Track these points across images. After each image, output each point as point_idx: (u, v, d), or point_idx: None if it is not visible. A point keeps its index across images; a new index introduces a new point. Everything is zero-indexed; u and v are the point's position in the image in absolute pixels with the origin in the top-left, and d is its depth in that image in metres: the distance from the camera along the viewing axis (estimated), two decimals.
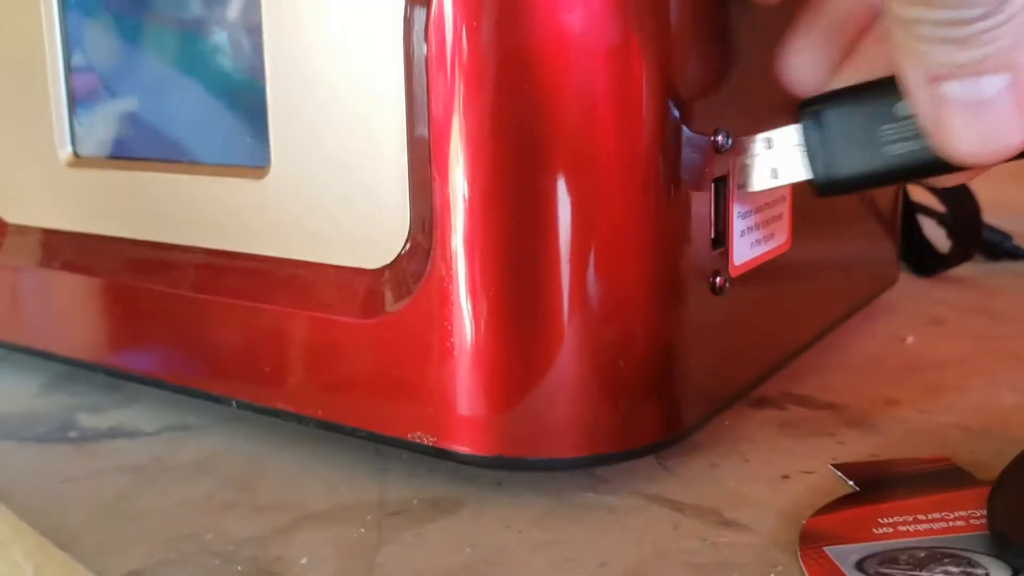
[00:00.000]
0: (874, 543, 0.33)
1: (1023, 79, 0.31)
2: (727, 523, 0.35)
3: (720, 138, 0.37)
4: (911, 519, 0.34)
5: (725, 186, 0.38)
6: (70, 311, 0.48)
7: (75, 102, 0.47)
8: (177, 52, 0.43)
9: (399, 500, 0.38)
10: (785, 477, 0.38)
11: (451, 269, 0.36)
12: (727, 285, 0.39)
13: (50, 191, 0.49)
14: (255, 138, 0.41)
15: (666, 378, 0.37)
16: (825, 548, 0.33)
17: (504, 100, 0.34)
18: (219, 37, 0.42)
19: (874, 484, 0.37)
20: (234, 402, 0.43)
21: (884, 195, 0.55)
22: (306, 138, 0.39)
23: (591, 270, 0.35)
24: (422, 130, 0.36)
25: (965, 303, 0.61)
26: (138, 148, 0.45)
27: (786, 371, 0.48)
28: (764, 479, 0.38)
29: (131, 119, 0.45)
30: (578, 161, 0.34)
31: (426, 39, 0.35)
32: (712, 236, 0.38)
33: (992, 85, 0.31)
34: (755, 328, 0.43)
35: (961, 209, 0.65)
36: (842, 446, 0.41)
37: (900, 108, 0.34)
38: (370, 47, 0.37)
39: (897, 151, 0.35)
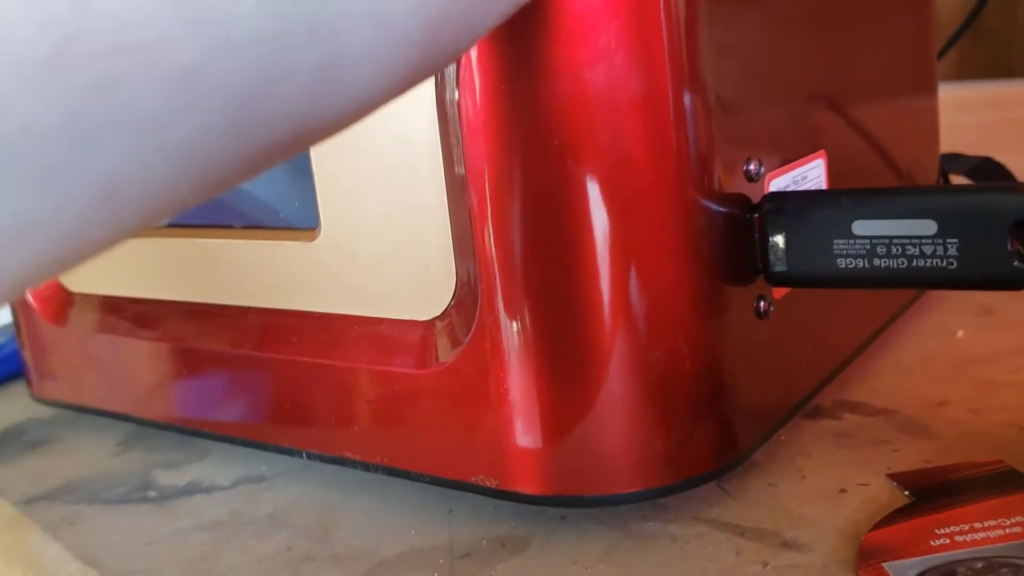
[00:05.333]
0: (932, 556, 0.34)
1: None
2: (788, 544, 0.36)
3: (752, 167, 0.38)
4: (967, 528, 0.35)
5: (762, 214, 0.39)
6: (139, 374, 0.51)
7: None
8: None
9: (468, 541, 0.39)
10: (842, 491, 0.39)
11: (498, 316, 0.37)
12: (771, 308, 0.40)
13: (111, 260, 0.51)
14: (303, 201, 0.42)
15: (717, 402, 0.38)
16: (884, 564, 0.33)
17: (536, 150, 0.35)
18: None
19: (929, 493, 0.38)
20: (304, 453, 0.44)
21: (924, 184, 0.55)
22: (351, 198, 0.40)
23: (633, 299, 0.36)
24: (459, 183, 0.37)
25: None
26: (193, 215, 0.47)
27: (839, 376, 0.49)
28: (821, 495, 0.39)
29: None
30: (612, 202, 0.35)
31: (458, 85, 0.36)
32: (754, 264, 0.39)
33: None
34: (805, 343, 0.44)
35: None
36: (897, 454, 0.42)
37: (858, 226, 0.36)
38: (405, 104, 0.38)
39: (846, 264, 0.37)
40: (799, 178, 0.41)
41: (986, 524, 0.35)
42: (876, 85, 0.50)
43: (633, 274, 0.36)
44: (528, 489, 0.38)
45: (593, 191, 0.35)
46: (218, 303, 0.47)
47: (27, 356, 0.56)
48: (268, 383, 0.45)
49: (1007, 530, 0.35)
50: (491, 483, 0.38)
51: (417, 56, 0.26)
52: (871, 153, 0.49)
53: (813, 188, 0.42)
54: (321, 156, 0.41)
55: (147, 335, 0.50)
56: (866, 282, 0.37)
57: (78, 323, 0.53)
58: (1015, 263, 0.34)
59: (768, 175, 0.39)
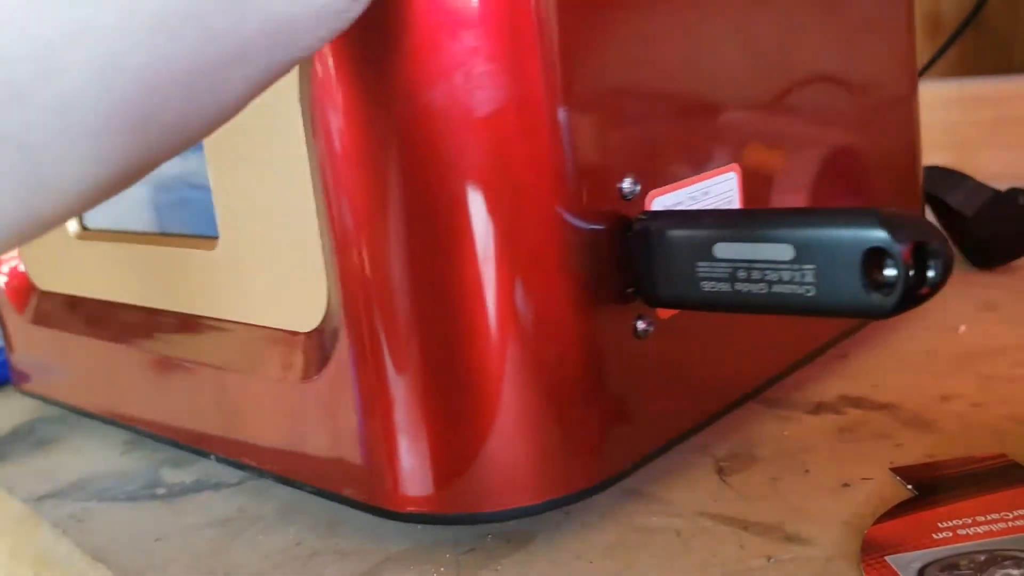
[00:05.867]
0: (934, 549, 0.34)
1: None
2: (791, 538, 0.36)
3: (626, 185, 0.37)
4: (970, 521, 0.35)
5: (634, 233, 0.38)
6: (80, 369, 0.53)
7: None
8: None
9: (473, 536, 0.39)
10: (845, 485, 0.39)
11: (372, 330, 0.36)
12: (651, 329, 0.39)
13: (66, 260, 0.53)
14: (208, 211, 0.43)
15: (594, 421, 0.38)
16: (887, 558, 0.34)
17: (401, 169, 0.35)
18: None
19: (932, 487, 0.38)
20: (213, 456, 0.46)
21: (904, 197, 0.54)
22: (245, 213, 0.41)
23: (514, 314, 0.35)
24: (329, 200, 0.36)
25: (1016, 284, 0.61)
26: (132, 221, 0.49)
27: (842, 371, 0.49)
28: (825, 489, 0.39)
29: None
30: (486, 219, 0.35)
31: (321, 105, 0.35)
32: (628, 283, 0.38)
33: None
34: (700, 366, 0.42)
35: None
36: (900, 448, 0.42)
37: (719, 249, 0.35)
38: (282, 121, 0.37)
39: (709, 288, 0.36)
40: (697, 194, 0.40)
41: (989, 517, 0.35)
42: (822, 91, 0.47)
43: (515, 291, 0.35)
44: (398, 507, 0.38)
45: (467, 207, 0.35)
46: (140, 304, 0.49)
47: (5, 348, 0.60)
48: (179, 385, 0.46)
49: (1010, 523, 0.35)
50: (361, 497, 0.39)
51: (134, 143, 0.27)
52: (817, 166, 0.47)
53: (715, 205, 0.41)
54: (217, 168, 0.42)
55: (83, 331, 0.52)
56: (730, 306, 0.36)
57: (30, 314, 0.56)
58: (870, 292, 0.32)
59: (651, 193, 0.38)
